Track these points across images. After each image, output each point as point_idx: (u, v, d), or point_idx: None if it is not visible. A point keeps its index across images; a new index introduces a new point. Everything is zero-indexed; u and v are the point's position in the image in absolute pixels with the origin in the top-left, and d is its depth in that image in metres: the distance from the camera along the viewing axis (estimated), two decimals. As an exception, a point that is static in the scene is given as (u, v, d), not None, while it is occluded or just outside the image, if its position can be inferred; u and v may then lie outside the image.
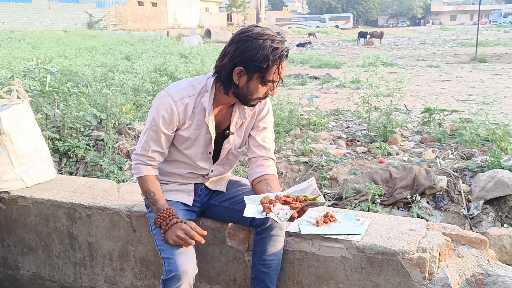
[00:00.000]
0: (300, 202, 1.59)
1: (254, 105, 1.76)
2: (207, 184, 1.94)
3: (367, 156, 4.41)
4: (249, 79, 1.64)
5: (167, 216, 1.69)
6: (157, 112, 1.74)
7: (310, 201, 1.58)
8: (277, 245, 1.78)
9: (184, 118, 1.75)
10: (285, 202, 1.60)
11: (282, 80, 1.68)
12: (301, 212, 1.59)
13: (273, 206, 1.58)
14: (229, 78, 1.66)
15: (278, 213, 1.56)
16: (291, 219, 1.58)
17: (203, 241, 1.66)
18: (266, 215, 1.56)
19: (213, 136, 1.81)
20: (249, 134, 1.89)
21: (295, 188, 1.71)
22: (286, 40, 1.71)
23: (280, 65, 1.62)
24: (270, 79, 1.64)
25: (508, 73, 12.58)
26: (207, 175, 1.91)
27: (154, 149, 1.78)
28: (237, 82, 1.66)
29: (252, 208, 1.60)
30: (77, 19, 33.11)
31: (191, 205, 1.88)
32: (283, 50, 1.61)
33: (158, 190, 1.78)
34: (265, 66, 1.59)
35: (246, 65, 1.61)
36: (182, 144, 1.81)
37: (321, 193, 1.61)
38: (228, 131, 1.85)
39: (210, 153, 1.85)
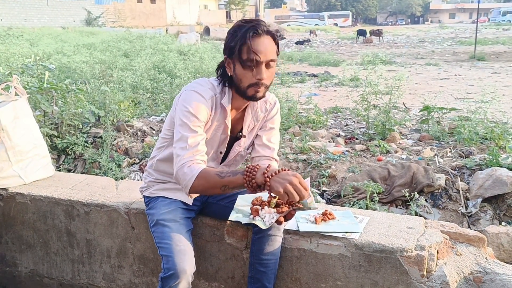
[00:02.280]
0: (289, 205, 1.57)
1: (254, 96, 1.68)
2: None
3: (366, 154, 4.41)
4: (234, 65, 1.67)
5: (256, 169, 1.50)
6: (191, 107, 1.67)
7: (297, 206, 1.55)
8: (274, 244, 1.78)
9: (210, 116, 1.73)
10: (275, 204, 1.59)
11: (259, 57, 1.59)
12: (289, 216, 1.56)
13: (262, 209, 1.57)
14: (225, 72, 1.72)
15: (265, 217, 1.56)
16: (278, 222, 1.55)
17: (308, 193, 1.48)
18: (253, 218, 1.57)
19: (228, 137, 1.81)
20: (256, 134, 1.89)
21: None
22: (263, 22, 1.62)
23: (249, 42, 1.59)
24: (245, 58, 1.61)
25: (507, 72, 12.62)
26: None
27: (194, 140, 1.64)
28: (230, 74, 1.70)
29: (238, 211, 1.61)
30: (75, 15, 33.01)
31: (191, 204, 1.87)
32: (249, 27, 1.61)
33: (221, 169, 1.66)
34: (232, 44, 1.62)
35: (225, 52, 1.68)
36: None
37: (312, 196, 1.57)
38: (240, 133, 1.85)
39: (221, 153, 1.85)
